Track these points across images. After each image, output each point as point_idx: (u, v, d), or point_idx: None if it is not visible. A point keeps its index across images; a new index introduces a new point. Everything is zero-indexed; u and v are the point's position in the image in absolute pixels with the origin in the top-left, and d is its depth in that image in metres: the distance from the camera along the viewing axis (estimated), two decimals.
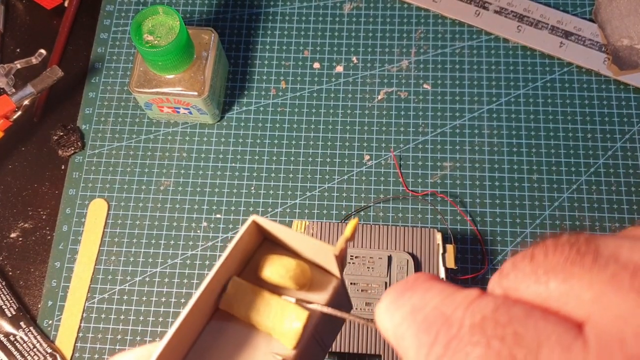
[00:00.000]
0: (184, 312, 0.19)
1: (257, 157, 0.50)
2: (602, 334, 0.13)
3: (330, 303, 0.21)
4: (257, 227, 0.21)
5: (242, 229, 0.20)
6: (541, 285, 0.14)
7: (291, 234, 0.21)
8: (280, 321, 0.20)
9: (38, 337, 0.45)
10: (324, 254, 0.21)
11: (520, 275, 0.15)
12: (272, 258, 0.21)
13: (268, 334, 0.21)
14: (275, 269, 0.21)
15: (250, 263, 0.22)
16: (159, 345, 0.18)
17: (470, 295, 0.15)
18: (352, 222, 0.20)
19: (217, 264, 0.20)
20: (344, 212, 0.48)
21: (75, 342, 0.46)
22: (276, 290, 0.21)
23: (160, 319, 0.46)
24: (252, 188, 0.49)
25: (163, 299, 0.46)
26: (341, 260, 0.21)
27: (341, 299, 0.23)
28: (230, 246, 0.20)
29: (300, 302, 0.21)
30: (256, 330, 0.21)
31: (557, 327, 0.13)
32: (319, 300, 0.21)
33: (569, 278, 0.14)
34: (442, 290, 0.16)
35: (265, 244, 0.23)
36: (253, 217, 0.21)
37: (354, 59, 0.53)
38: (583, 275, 0.13)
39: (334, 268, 0.21)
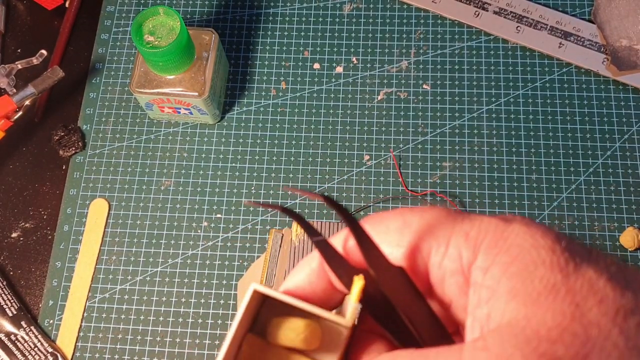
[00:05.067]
0: None
1: (257, 157, 0.50)
2: None
3: (344, 355, 0.21)
4: (258, 293, 0.21)
5: (245, 300, 0.20)
6: None
7: (297, 305, 0.20)
8: None
9: (39, 336, 0.45)
10: (333, 333, 0.21)
11: None
12: (279, 322, 0.21)
13: None
14: (284, 332, 0.20)
15: (257, 323, 0.22)
16: None
17: None
18: (358, 283, 0.19)
19: (231, 330, 0.20)
20: None
21: (76, 342, 0.46)
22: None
23: (161, 319, 0.46)
24: (252, 188, 0.49)
25: (164, 299, 0.46)
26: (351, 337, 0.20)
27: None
28: (239, 315, 0.20)
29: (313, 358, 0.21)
30: None
31: None
32: (334, 355, 0.21)
33: None
34: None
35: (268, 302, 0.22)
36: (253, 286, 0.20)
37: (354, 59, 0.53)
38: None
39: (344, 336, 0.21)
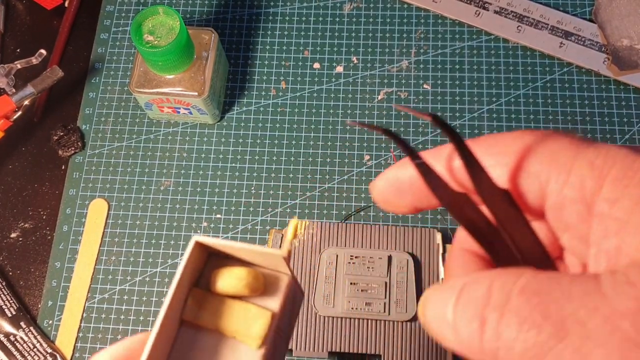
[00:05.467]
0: (154, 331, 0.19)
1: (257, 157, 0.50)
2: None
3: (286, 298, 0.22)
4: (201, 246, 0.22)
5: (187, 251, 0.21)
6: None
7: (237, 247, 0.21)
8: (244, 324, 0.21)
9: (38, 337, 0.45)
10: (273, 259, 0.21)
11: None
12: (221, 271, 0.22)
13: (233, 337, 0.21)
14: (228, 281, 0.21)
15: (202, 280, 0.23)
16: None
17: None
18: (293, 223, 0.21)
19: (173, 284, 0.20)
20: (344, 212, 0.48)
21: (76, 342, 0.46)
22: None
23: None
24: (252, 188, 0.49)
25: (163, 299, 0.46)
26: (289, 259, 0.21)
27: (295, 291, 0.24)
28: (180, 266, 0.21)
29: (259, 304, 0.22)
30: (222, 335, 0.22)
31: None
32: (276, 298, 0.22)
33: None
34: None
35: (212, 259, 0.23)
36: (195, 238, 0.21)
37: (354, 59, 0.53)
38: None
39: (284, 268, 0.22)
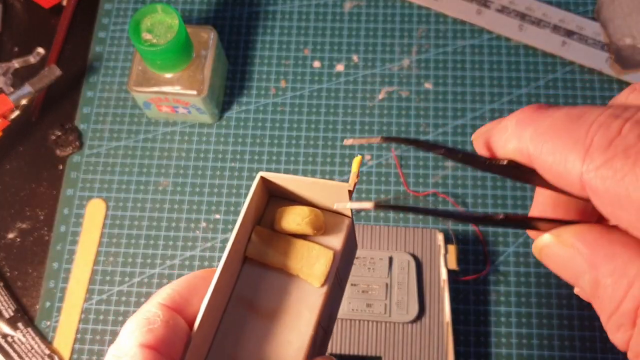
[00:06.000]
0: (219, 267, 0.20)
1: (256, 157, 0.50)
2: None
3: (347, 239, 0.23)
4: (264, 184, 0.22)
5: (253, 186, 0.21)
6: None
7: (302, 181, 0.22)
8: (308, 262, 0.22)
9: (36, 338, 0.45)
10: (337, 193, 0.21)
11: None
12: (285, 209, 0.22)
13: (296, 275, 0.22)
14: (291, 217, 0.22)
15: (263, 220, 0.23)
16: (207, 293, 0.20)
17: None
18: (357, 159, 0.21)
19: (239, 218, 0.21)
20: None
21: (74, 344, 0.45)
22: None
23: None
24: None
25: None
26: (351, 198, 0.22)
27: (352, 237, 0.24)
28: (247, 201, 0.21)
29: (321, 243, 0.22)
30: (285, 273, 0.22)
31: None
32: (337, 239, 0.23)
33: None
34: (596, 107, 0.16)
35: (272, 201, 0.24)
36: (261, 173, 0.22)
37: (355, 57, 0.52)
38: None
39: (346, 209, 0.23)
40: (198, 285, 0.21)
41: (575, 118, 0.15)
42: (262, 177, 0.22)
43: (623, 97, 0.17)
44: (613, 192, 0.14)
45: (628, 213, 0.14)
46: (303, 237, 0.22)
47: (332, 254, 0.22)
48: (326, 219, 0.23)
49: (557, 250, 0.17)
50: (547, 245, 0.17)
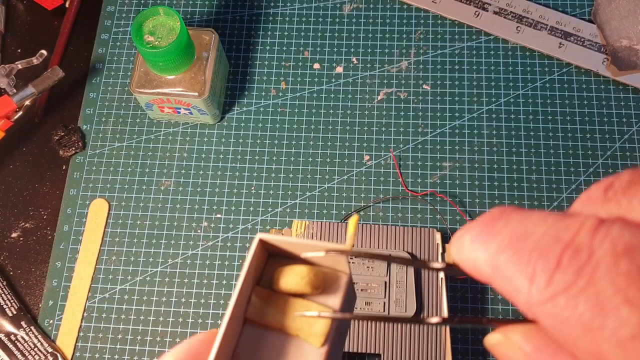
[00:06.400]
0: (220, 331, 0.20)
1: (257, 157, 0.50)
2: None
3: (345, 296, 0.23)
4: (262, 244, 0.22)
5: (252, 248, 0.21)
6: None
7: (298, 243, 0.22)
8: (307, 322, 0.21)
9: (39, 336, 0.45)
10: (335, 255, 0.21)
11: (636, 201, 0.14)
12: (284, 269, 0.22)
13: (296, 335, 0.22)
14: (290, 278, 0.22)
15: (262, 280, 0.23)
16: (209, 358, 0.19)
17: (589, 221, 0.14)
18: (354, 219, 0.21)
19: (238, 282, 0.21)
20: (344, 212, 0.48)
21: (76, 342, 0.46)
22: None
23: (161, 319, 0.46)
24: (252, 188, 0.49)
25: (164, 299, 0.46)
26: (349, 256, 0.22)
27: (351, 291, 0.24)
28: (246, 264, 0.21)
29: (320, 303, 0.22)
30: (285, 333, 0.22)
31: None
32: (336, 297, 0.22)
33: None
34: (545, 217, 0.15)
35: (271, 260, 0.23)
36: (259, 236, 0.22)
37: (354, 59, 0.53)
38: None
39: (344, 266, 0.22)
40: (200, 351, 0.21)
41: (519, 240, 0.15)
42: (260, 240, 0.22)
43: (578, 207, 0.16)
44: (559, 330, 0.14)
45: (574, 348, 0.14)
46: (302, 296, 0.22)
47: (331, 311, 0.22)
48: (324, 276, 0.23)
49: (506, 350, 0.17)
50: (497, 344, 0.17)
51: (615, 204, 0.15)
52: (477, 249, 0.16)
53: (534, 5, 0.52)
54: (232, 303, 0.20)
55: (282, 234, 0.43)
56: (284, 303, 0.22)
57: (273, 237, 0.22)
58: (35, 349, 0.45)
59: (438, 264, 0.19)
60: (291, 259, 0.23)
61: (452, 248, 0.17)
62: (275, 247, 0.23)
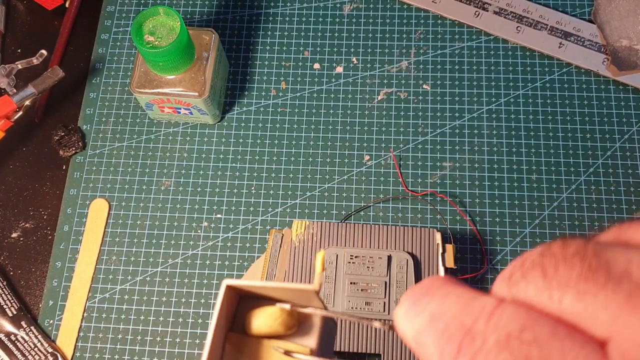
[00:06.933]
0: None
1: (257, 157, 0.50)
2: (626, 358, 0.13)
3: (322, 332, 0.22)
4: (230, 290, 0.22)
5: (220, 295, 0.21)
6: (554, 302, 0.14)
7: (268, 286, 0.22)
8: None
9: (39, 336, 0.45)
10: (305, 294, 0.21)
11: (532, 287, 0.15)
12: (255, 312, 0.22)
13: None
14: (263, 320, 0.21)
15: (235, 323, 0.23)
16: None
17: (489, 304, 0.15)
18: (320, 255, 0.21)
19: (209, 331, 0.20)
20: (344, 212, 0.48)
21: (76, 342, 0.46)
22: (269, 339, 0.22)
23: (161, 319, 0.46)
24: (252, 188, 0.49)
25: (164, 299, 0.46)
26: (320, 291, 0.21)
27: (328, 324, 0.24)
28: (215, 312, 0.21)
29: (295, 341, 0.22)
30: None
31: (583, 348, 0.13)
32: (311, 336, 0.22)
33: (583, 296, 0.14)
34: (459, 297, 0.16)
35: (243, 302, 0.23)
36: (226, 282, 0.21)
37: (354, 59, 0.53)
38: (597, 293, 0.13)
39: (316, 302, 0.22)
40: None
41: (436, 321, 0.16)
42: (227, 286, 0.21)
43: (497, 284, 0.17)
44: None
45: None
46: (277, 337, 0.22)
47: (308, 351, 0.21)
48: (298, 315, 0.22)
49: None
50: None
51: (515, 287, 0.15)
52: (406, 324, 0.17)
53: (534, 5, 0.52)
54: (205, 354, 0.20)
55: (282, 234, 0.43)
56: (259, 346, 0.21)
57: (240, 282, 0.21)
58: (35, 349, 0.45)
59: (378, 324, 0.20)
60: (263, 298, 0.23)
61: (395, 317, 0.18)
62: (245, 290, 0.22)
